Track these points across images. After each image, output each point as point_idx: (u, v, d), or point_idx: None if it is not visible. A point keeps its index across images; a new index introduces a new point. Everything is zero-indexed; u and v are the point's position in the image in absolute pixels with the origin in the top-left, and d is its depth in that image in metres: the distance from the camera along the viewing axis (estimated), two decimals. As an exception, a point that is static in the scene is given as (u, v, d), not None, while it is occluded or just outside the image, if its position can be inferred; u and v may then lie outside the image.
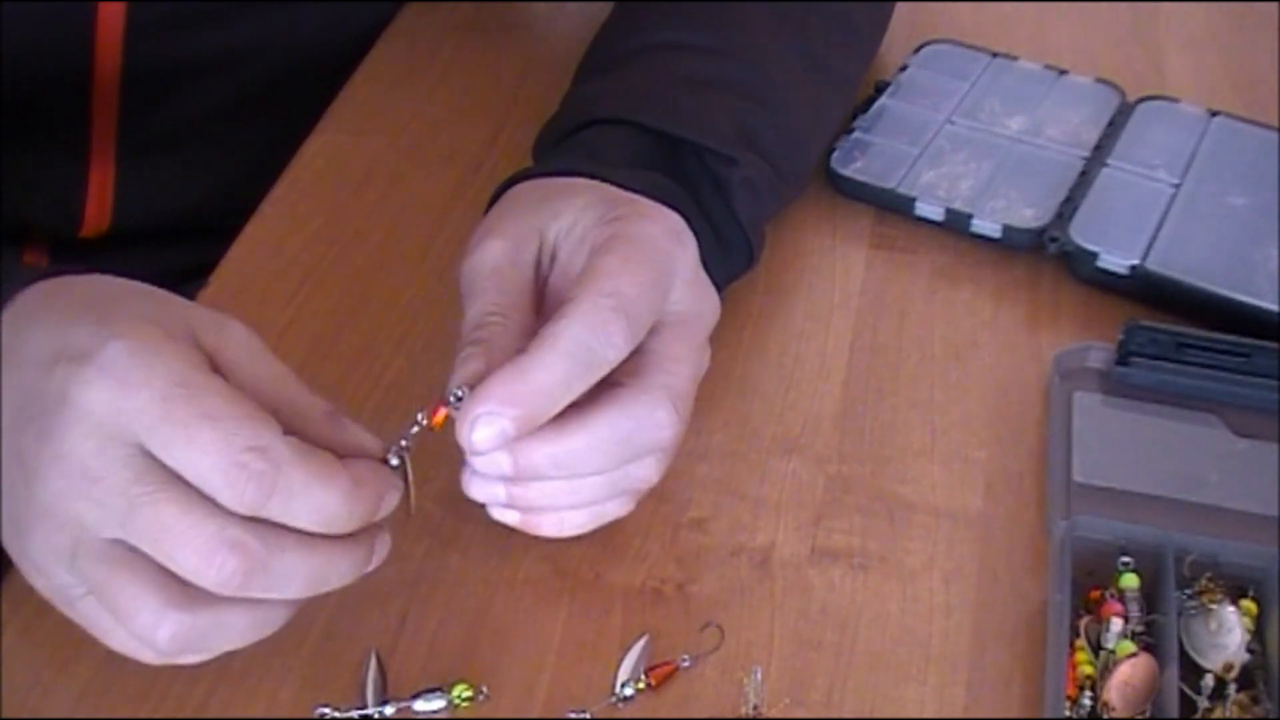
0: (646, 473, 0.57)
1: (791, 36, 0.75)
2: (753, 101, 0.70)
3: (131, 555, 0.48)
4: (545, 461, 0.54)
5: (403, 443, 0.52)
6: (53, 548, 0.48)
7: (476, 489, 0.56)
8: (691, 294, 0.58)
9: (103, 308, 0.49)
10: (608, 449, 0.54)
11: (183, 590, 0.48)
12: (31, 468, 0.48)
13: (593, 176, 0.61)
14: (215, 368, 0.49)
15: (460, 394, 0.52)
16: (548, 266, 0.58)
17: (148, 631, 0.48)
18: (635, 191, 0.60)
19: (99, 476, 0.47)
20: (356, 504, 0.49)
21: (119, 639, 0.50)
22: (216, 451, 0.46)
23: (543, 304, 0.58)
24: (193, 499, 0.47)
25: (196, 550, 0.47)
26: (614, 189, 0.60)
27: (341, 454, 0.50)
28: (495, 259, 0.57)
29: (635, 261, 0.55)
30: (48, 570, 0.49)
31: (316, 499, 0.48)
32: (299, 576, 0.49)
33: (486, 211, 0.63)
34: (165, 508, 0.47)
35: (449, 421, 0.53)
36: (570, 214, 0.58)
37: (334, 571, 0.50)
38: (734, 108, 0.69)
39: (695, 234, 0.60)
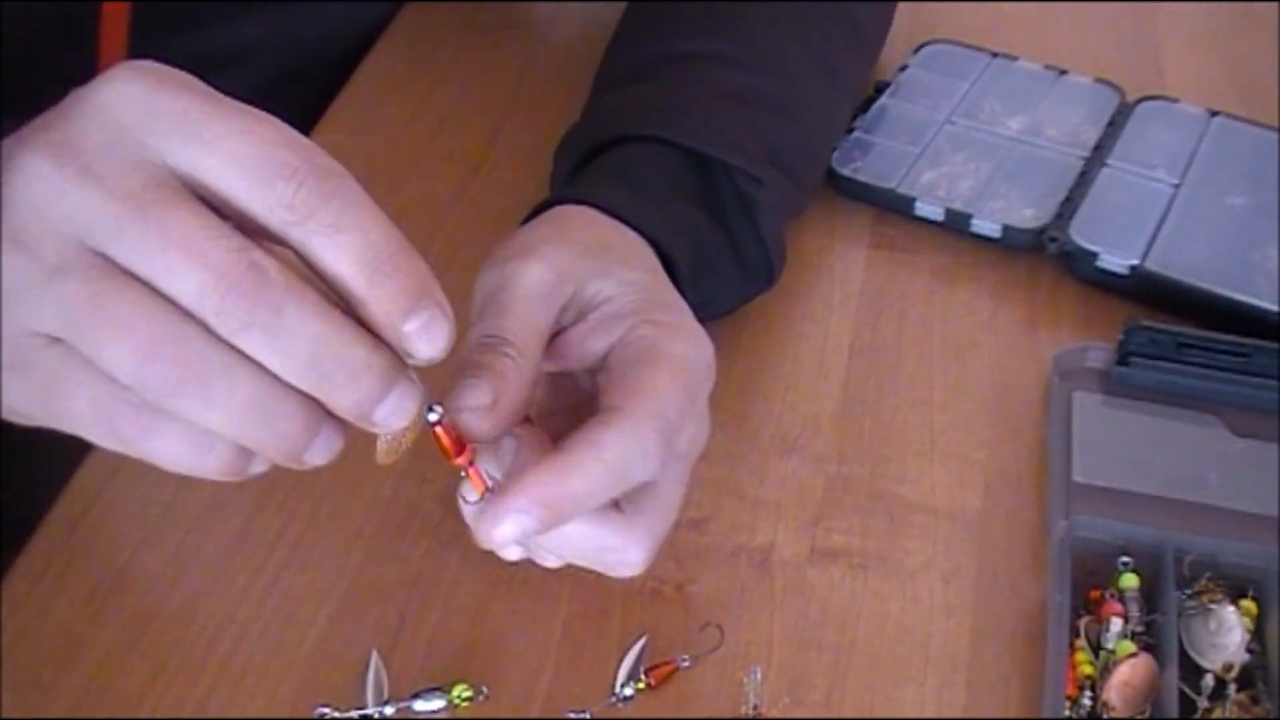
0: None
1: (810, 42, 0.75)
2: (779, 116, 0.70)
3: (120, 272, 0.41)
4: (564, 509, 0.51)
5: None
6: (19, 273, 0.41)
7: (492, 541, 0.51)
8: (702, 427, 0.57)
9: (142, 64, 0.43)
10: (605, 489, 0.51)
11: (188, 315, 0.41)
12: (6, 174, 0.41)
13: (641, 231, 0.59)
14: None
15: (439, 412, 0.47)
16: (571, 318, 0.55)
17: (146, 350, 0.40)
18: (677, 261, 0.60)
19: (102, 174, 0.40)
20: (411, 261, 0.42)
21: (87, 398, 0.42)
22: (274, 140, 0.41)
23: (548, 348, 0.54)
24: (210, 214, 0.41)
25: (210, 264, 0.40)
26: (660, 280, 0.58)
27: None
28: (533, 286, 0.53)
29: (682, 386, 0.52)
30: (9, 307, 0.42)
31: (371, 225, 0.41)
32: (307, 334, 0.41)
33: (525, 219, 0.61)
34: (178, 214, 0.40)
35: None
36: (616, 282, 0.56)
37: (348, 348, 0.42)
38: (762, 124, 0.69)
39: (712, 262, 0.61)
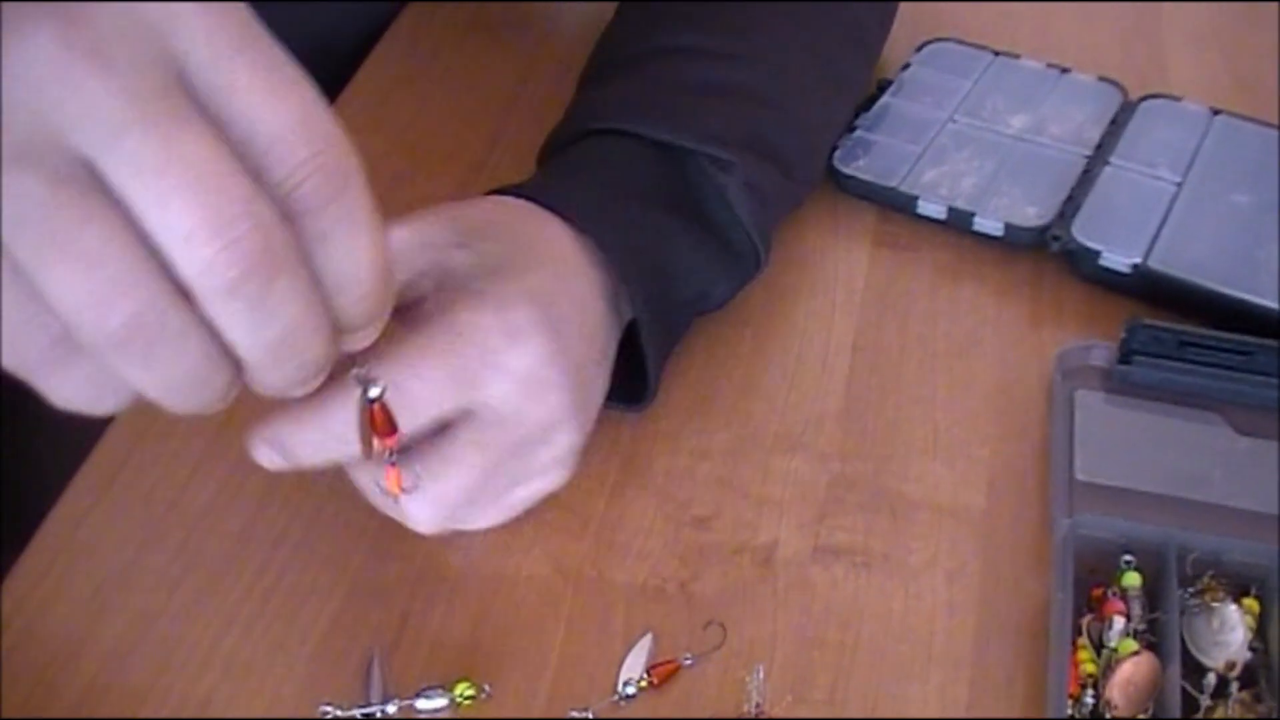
0: None
1: (799, 37, 0.75)
2: (759, 104, 0.70)
3: (99, 192, 0.35)
4: None
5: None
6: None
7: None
8: (517, 394, 0.55)
9: None
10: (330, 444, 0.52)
11: (155, 271, 0.35)
12: (13, 28, 0.35)
13: (557, 212, 0.60)
14: None
15: (380, 388, 0.47)
16: (429, 286, 0.56)
17: (102, 299, 0.35)
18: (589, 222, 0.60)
19: (112, 64, 0.34)
20: (383, 289, 0.40)
21: (13, 322, 0.36)
22: (294, 116, 0.36)
23: (405, 313, 0.55)
24: (224, 146, 0.36)
25: (211, 206, 0.35)
26: (522, 253, 0.58)
27: None
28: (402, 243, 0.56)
29: (450, 350, 0.53)
30: None
31: (363, 245, 0.38)
32: (285, 317, 0.37)
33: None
34: (188, 134, 0.35)
35: None
36: (470, 253, 0.57)
37: (311, 343, 0.39)
38: (739, 111, 0.69)
39: (694, 254, 0.61)
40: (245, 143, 0.36)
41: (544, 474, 0.58)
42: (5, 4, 0.34)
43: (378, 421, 0.47)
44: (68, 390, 0.38)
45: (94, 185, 0.34)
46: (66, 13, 0.34)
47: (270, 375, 0.39)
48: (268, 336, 0.37)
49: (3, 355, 0.37)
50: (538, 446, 0.57)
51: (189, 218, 0.34)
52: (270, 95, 0.36)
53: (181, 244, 0.35)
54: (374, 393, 0.46)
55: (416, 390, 0.52)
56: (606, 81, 0.72)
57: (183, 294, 0.36)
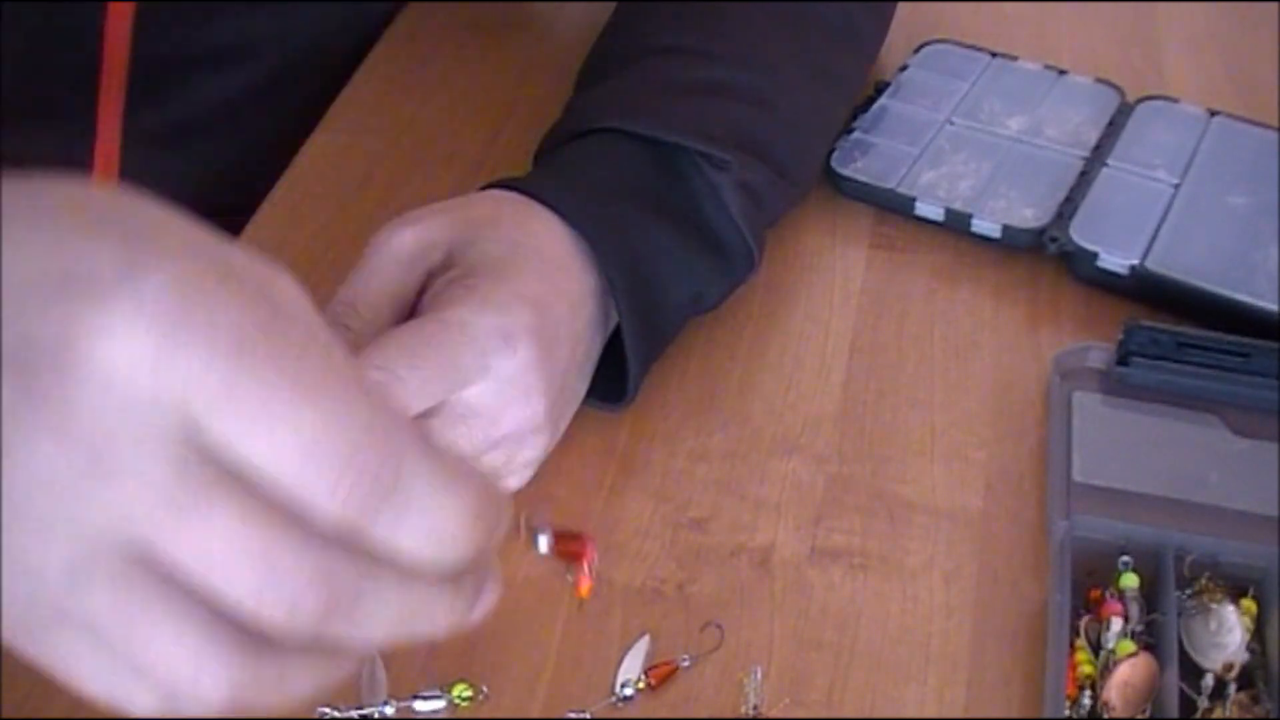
0: None
1: (794, 39, 0.75)
2: (752, 105, 0.70)
3: (160, 578, 0.33)
4: None
5: None
6: (31, 556, 0.33)
7: None
8: (495, 396, 0.55)
9: (129, 225, 0.33)
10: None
11: (234, 629, 0.33)
12: (8, 447, 0.32)
13: (553, 209, 0.61)
14: None
15: (548, 537, 0.51)
16: (442, 284, 0.57)
17: (187, 683, 0.33)
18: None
19: (118, 468, 0.32)
20: (479, 524, 0.35)
21: (104, 682, 0.34)
22: (318, 433, 0.32)
23: (416, 308, 0.57)
24: (262, 506, 0.33)
25: (266, 577, 0.32)
26: (521, 250, 0.58)
27: None
28: (397, 250, 0.57)
29: (443, 349, 0.53)
30: (12, 592, 0.33)
31: (438, 513, 0.34)
32: (387, 620, 0.35)
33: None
34: (223, 516, 0.32)
35: None
36: (476, 249, 0.58)
37: (429, 615, 0.36)
38: (732, 111, 0.69)
39: (687, 255, 0.61)
40: (279, 492, 0.33)
41: (506, 478, 0.59)
42: (3, 415, 0.32)
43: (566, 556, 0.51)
44: (305, 692, 0.36)
45: (143, 562, 0.33)
46: (60, 432, 0.32)
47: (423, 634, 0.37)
48: (378, 637, 0.35)
49: (91, 694, 0.35)
50: (509, 449, 0.58)
51: (259, 585, 0.33)
52: (281, 423, 0.32)
53: (253, 604, 0.33)
54: (543, 547, 0.48)
55: (413, 381, 0.52)
56: (601, 81, 0.73)
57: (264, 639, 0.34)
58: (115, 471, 0.32)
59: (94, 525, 0.32)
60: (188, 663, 0.33)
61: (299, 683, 0.35)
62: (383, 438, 0.33)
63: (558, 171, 0.66)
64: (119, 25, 0.74)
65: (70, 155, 0.79)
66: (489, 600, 0.38)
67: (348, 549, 0.33)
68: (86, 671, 0.34)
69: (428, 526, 0.34)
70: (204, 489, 0.32)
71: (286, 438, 0.32)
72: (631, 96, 0.69)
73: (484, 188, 0.64)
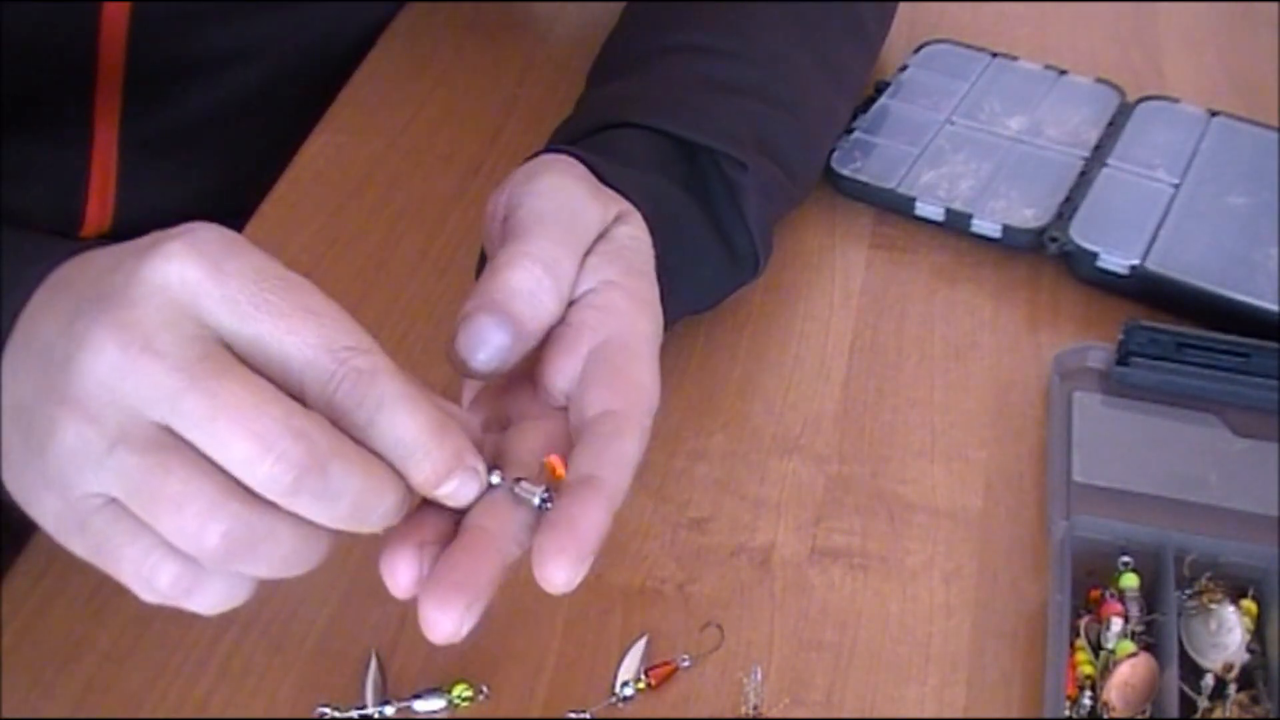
0: None
1: (806, 38, 0.75)
2: (769, 105, 0.70)
3: (180, 442, 0.43)
4: None
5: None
6: (84, 441, 0.43)
7: None
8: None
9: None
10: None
11: (236, 483, 0.43)
12: (72, 347, 0.43)
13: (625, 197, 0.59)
14: None
15: (499, 477, 0.48)
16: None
17: (196, 526, 0.43)
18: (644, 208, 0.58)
19: (162, 351, 0.43)
20: (441, 443, 0.45)
21: (133, 559, 0.45)
22: (315, 343, 0.43)
23: None
24: (260, 381, 0.43)
25: (256, 433, 0.42)
26: (648, 245, 0.57)
27: None
28: (578, 199, 0.55)
29: (654, 371, 0.54)
30: (68, 476, 0.44)
31: (404, 420, 0.44)
32: (350, 491, 0.44)
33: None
34: (229, 384, 0.42)
35: None
36: (629, 229, 0.56)
37: (384, 497, 0.45)
38: (750, 111, 0.69)
39: (700, 247, 0.61)
40: (283, 371, 0.43)
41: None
42: (76, 327, 0.43)
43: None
44: (205, 605, 0.46)
45: (172, 442, 0.43)
46: (120, 321, 0.43)
47: (361, 529, 0.45)
48: (341, 510, 0.44)
49: (143, 590, 0.45)
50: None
51: (242, 447, 0.42)
52: (291, 332, 0.43)
53: (245, 468, 0.42)
54: (494, 480, 0.48)
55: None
56: (617, 78, 0.72)
57: (265, 501, 0.43)
58: (159, 352, 0.42)
59: (133, 399, 0.42)
60: (198, 514, 0.42)
61: (283, 541, 0.44)
62: (366, 354, 0.44)
63: (585, 150, 0.65)
64: (114, 30, 0.74)
65: (68, 162, 0.79)
66: (466, 487, 0.46)
67: (323, 421, 0.43)
68: (117, 546, 0.44)
69: (395, 425, 0.44)
70: (218, 366, 0.42)
71: (291, 346, 0.43)
72: (654, 94, 0.69)
73: (533, 158, 0.60)
